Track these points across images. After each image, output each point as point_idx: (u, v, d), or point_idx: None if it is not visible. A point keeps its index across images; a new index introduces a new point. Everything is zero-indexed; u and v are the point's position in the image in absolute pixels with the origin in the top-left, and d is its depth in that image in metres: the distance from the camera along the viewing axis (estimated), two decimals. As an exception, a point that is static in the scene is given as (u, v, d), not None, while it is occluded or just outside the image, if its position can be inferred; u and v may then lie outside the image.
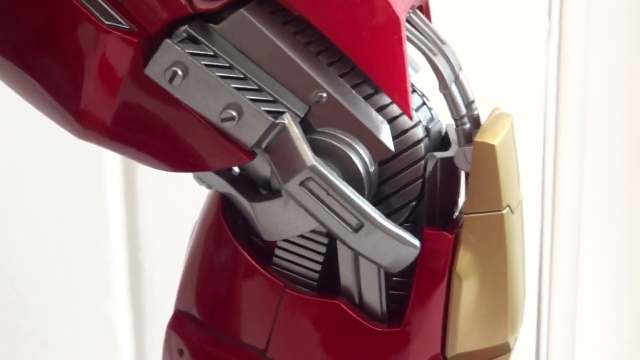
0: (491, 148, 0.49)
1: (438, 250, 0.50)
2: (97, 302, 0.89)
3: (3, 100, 0.76)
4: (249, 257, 0.52)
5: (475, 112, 0.51)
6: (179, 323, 0.56)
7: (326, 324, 0.52)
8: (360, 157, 0.49)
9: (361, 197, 0.49)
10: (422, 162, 0.50)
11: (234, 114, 0.48)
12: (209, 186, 0.55)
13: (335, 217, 0.49)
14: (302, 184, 0.48)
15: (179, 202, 0.81)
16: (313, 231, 0.51)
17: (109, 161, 0.87)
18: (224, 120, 0.48)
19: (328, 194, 0.48)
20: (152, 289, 0.84)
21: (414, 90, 0.52)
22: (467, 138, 0.51)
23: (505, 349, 0.53)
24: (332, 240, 0.51)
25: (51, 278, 0.88)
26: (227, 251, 0.53)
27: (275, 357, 0.53)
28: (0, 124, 0.84)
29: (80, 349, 0.90)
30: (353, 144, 0.49)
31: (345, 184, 0.49)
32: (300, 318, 0.52)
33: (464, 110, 0.51)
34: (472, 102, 0.51)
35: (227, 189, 0.52)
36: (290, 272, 0.52)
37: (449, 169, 0.51)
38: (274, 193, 0.51)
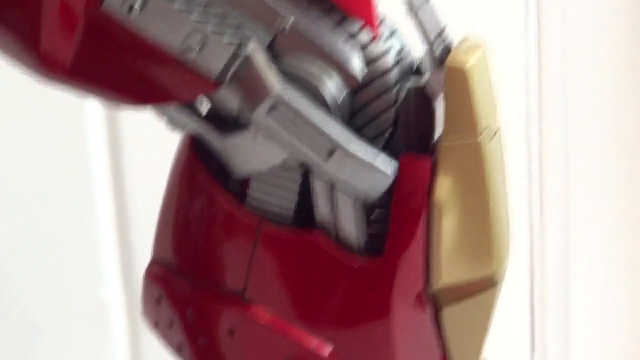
0: (462, 72, 0.48)
1: (415, 177, 0.49)
2: (88, 286, 0.88)
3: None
4: (223, 197, 0.51)
5: (447, 41, 0.50)
6: (155, 271, 0.54)
7: (303, 261, 0.50)
8: (328, 86, 0.48)
9: (332, 122, 0.48)
10: (393, 91, 0.49)
11: (195, 44, 0.47)
12: (183, 129, 0.54)
13: (305, 145, 0.48)
14: (269, 112, 0.47)
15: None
16: (285, 166, 0.50)
17: (95, 138, 0.86)
18: (185, 51, 0.47)
19: (296, 121, 0.47)
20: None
21: (383, 22, 0.50)
22: (438, 64, 0.49)
23: (491, 281, 0.52)
24: (305, 173, 0.50)
25: (40, 262, 0.86)
26: (201, 193, 0.52)
27: (253, 297, 0.51)
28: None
29: (72, 334, 0.88)
30: (320, 72, 0.48)
31: (314, 109, 0.47)
32: (276, 256, 0.51)
33: (433, 36, 0.49)
34: (443, 29, 0.50)
35: (198, 127, 0.51)
36: (265, 212, 0.51)
37: (422, 97, 0.50)
38: (243, 126, 0.49)
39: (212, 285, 0.53)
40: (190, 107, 0.51)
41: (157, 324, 0.55)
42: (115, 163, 0.89)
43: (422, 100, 0.50)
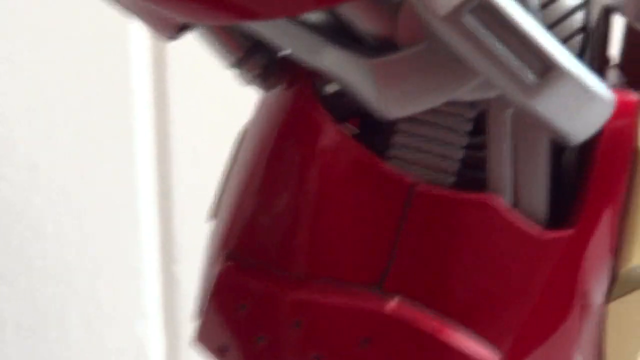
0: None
1: (622, 115, 0.37)
2: (127, 321, 0.73)
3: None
4: (359, 149, 0.37)
5: None
6: (234, 270, 0.38)
7: (474, 230, 0.37)
8: None
9: (546, 33, 0.35)
10: (583, 9, 0.37)
11: None
12: (263, 83, 0.39)
13: (513, 58, 0.34)
14: (472, 11, 0.34)
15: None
16: (453, 101, 0.36)
17: (142, 164, 0.72)
18: None
19: (504, 24, 0.34)
20: (188, 305, 0.66)
21: None
22: None
23: None
24: (478, 112, 0.37)
25: (76, 294, 0.73)
26: (319, 149, 0.37)
27: (397, 289, 0.37)
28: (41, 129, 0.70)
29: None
30: None
31: (524, 15, 0.35)
32: (435, 227, 0.37)
33: None
34: None
35: (326, 54, 0.36)
36: (416, 165, 0.37)
37: (605, 18, 0.38)
38: (395, 45, 0.36)
39: (332, 280, 0.37)
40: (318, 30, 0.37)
41: (224, 350, 0.38)
42: (163, 184, 0.74)
43: (607, 25, 0.39)
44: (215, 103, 0.71)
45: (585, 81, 0.35)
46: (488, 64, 0.34)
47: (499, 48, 0.34)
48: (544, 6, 0.36)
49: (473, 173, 0.38)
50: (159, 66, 0.73)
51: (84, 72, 0.71)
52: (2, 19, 0.70)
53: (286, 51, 0.38)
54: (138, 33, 0.70)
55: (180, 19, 0.36)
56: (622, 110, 0.37)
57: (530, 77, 0.35)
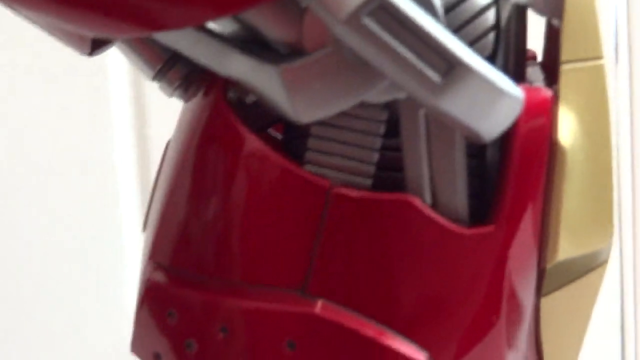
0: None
1: (537, 112, 0.37)
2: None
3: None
4: (276, 155, 0.37)
5: None
6: (162, 279, 0.39)
7: (393, 231, 0.37)
8: None
9: (447, 32, 0.35)
10: (493, 7, 0.37)
11: None
12: (184, 93, 0.40)
13: (415, 59, 0.35)
14: (370, 14, 0.34)
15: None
16: (364, 103, 0.37)
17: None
18: None
19: (404, 26, 0.35)
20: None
21: None
22: None
23: (605, 255, 0.40)
24: (391, 114, 0.37)
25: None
26: (239, 157, 0.38)
27: (320, 292, 0.37)
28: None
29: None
30: None
31: (424, 14, 0.35)
32: (353, 228, 0.37)
33: None
34: None
35: (235, 62, 0.37)
36: (332, 169, 0.37)
37: (519, 15, 0.39)
38: (301, 53, 0.36)
39: (255, 286, 0.38)
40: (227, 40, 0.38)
41: (157, 357, 0.39)
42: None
43: (520, 21, 0.39)
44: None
45: (490, 78, 0.35)
46: (391, 65, 0.35)
47: (401, 49, 0.35)
48: (454, 6, 0.37)
49: (391, 175, 0.38)
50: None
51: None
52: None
53: (199, 61, 0.38)
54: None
55: (90, 34, 0.36)
56: (536, 107, 0.37)
57: (434, 76, 0.35)
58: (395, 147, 0.37)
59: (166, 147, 0.41)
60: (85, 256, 0.74)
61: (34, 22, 0.38)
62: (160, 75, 0.40)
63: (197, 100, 0.39)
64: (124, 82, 0.73)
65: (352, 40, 0.35)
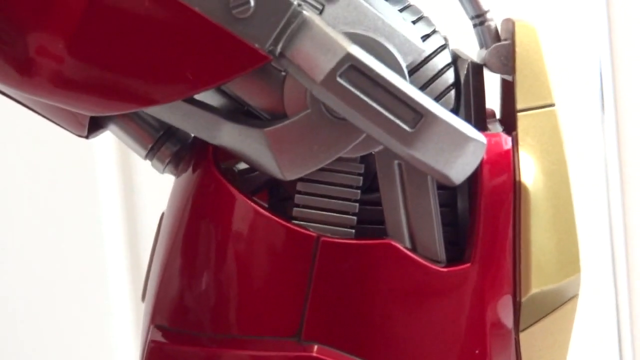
0: (533, 29, 0.42)
1: (499, 156, 0.41)
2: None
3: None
4: (266, 211, 0.40)
5: (493, 21, 0.44)
6: (164, 340, 0.41)
7: (378, 273, 0.40)
8: (394, 51, 0.40)
9: (412, 86, 0.39)
10: (452, 67, 0.42)
11: (242, 8, 0.38)
12: (175, 169, 0.43)
13: (386, 112, 0.39)
14: (342, 75, 0.38)
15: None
16: (343, 159, 0.41)
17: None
18: (235, 6, 0.38)
19: (375, 83, 0.39)
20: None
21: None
22: (495, 37, 0.43)
23: (575, 289, 0.44)
24: (367, 168, 0.41)
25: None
26: (230, 217, 0.41)
27: (315, 337, 0.40)
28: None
29: None
30: (383, 40, 0.40)
31: (390, 72, 0.39)
32: (342, 273, 0.40)
33: (485, 7, 0.43)
34: (487, 11, 0.44)
35: (224, 130, 0.41)
36: (317, 222, 0.41)
37: (476, 74, 0.43)
38: (284, 115, 0.40)
39: (253, 337, 0.41)
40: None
41: None
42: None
43: (477, 77, 0.43)
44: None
45: (455, 125, 0.39)
46: (365, 119, 0.39)
47: (373, 104, 0.38)
48: (416, 69, 0.41)
49: (373, 228, 0.41)
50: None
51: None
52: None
53: (189, 132, 0.42)
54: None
55: (86, 113, 0.40)
56: (496, 149, 0.41)
57: (405, 127, 0.39)
58: (374, 202, 0.41)
59: (161, 219, 0.44)
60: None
61: (29, 106, 0.42)
62: (151, 154, 0.43)
63: (189, 171, 0.42)
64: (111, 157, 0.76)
65: (329, 99, 0.38)
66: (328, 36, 0.38)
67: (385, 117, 0.38)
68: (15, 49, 0.38)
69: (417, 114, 0.39)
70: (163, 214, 0.44)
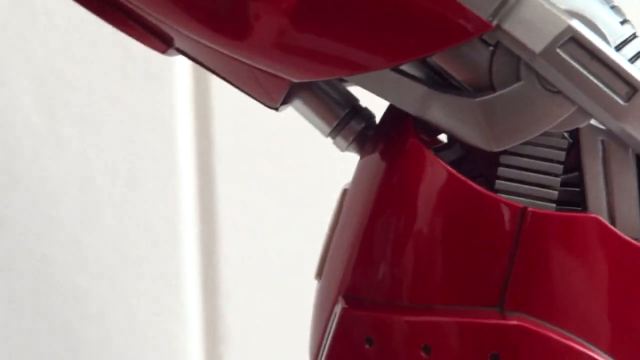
0: None
1: None
2: None
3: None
4: (468, 182, 0.41)
5: None
6: (357, 308, 0.41)
7: (583, 247, 0.41)
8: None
9: (625, 59, 0.40)
10: None
11: None
12: (359, 148, 0.44)
13: (602, 85, 0.39)
14: (562, 46, 0.39)
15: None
16: (547, 133, 0.41)
17: (188, 243, 0.73)
18: None
19: (592, 56, 0.39)
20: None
21: None
22: None
23: None
24: (573, 143, 0.41)
25: None
26: (433, 187, 0.41)
27: (517, 308, 0.40)
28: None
29: None
30: (593, 19, 0.41)
31: (605, 45, 0.40)
32: (548, 245, 0.40)
33: None
34: None
35: (430, 100, 0.41)
36: (520, 196, 0.41)
37: None
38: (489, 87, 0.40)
39: (454, 307, 0.41)
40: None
41: None
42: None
43: None
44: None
45: None
46: (581, 93, 0.39)
47: (589, 77, 0.39)
48: (623, 44, 0.41)
49: (569, 209, 0.41)
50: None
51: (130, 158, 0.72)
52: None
53: (392, 103, 0.42)
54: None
55: (294, 78, 0.40)
56: None
57: (619, 101, 0.39)
58: (573, 183, 0.41)
59: (342, 195, 0.44)
60: (147, 334, 0.74)
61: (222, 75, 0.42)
62: (336, 131, 0.44)
63: (381, 147, 0.42)
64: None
65: (547, 70, 0.39)
66: (548, 9, 0.39)
67: (601, 90, 0.39)
68: (238, 9, 0.38)
69: (632, 88, 0.39)
70: (345, 191, 0.44)
